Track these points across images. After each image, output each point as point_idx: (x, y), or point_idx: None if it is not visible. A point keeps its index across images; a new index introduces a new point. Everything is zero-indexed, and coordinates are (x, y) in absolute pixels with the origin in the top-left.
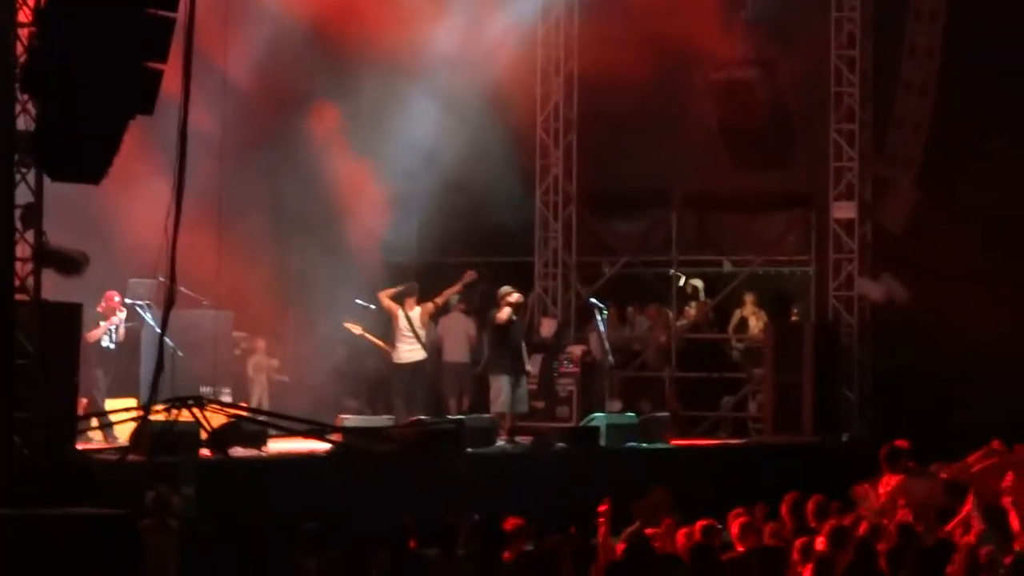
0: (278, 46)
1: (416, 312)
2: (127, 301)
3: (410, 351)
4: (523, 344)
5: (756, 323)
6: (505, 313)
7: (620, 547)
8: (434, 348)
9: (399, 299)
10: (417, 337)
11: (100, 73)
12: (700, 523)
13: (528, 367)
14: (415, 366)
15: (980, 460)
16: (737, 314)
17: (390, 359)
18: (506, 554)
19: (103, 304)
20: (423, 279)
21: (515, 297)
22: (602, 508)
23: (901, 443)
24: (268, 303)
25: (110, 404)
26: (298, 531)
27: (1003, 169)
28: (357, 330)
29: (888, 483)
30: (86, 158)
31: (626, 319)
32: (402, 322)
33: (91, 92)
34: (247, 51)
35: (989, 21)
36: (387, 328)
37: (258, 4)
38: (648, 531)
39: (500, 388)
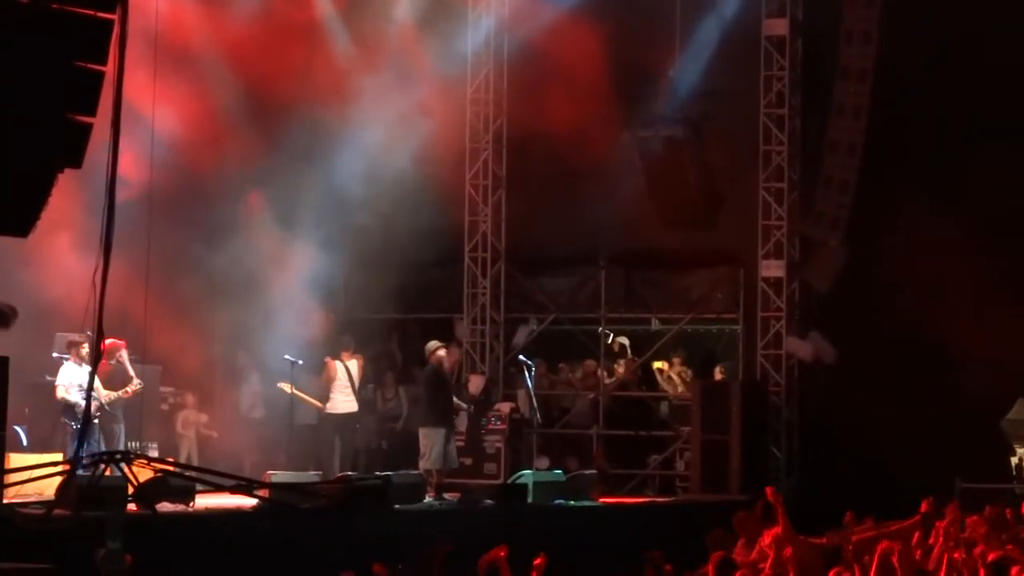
0: (207, 96)
1: (353, 364)
2: (54, 355)
3: (346, 402)
4: (451, 397)
5: (677, 377)
6: (439, 359)
7: None
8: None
9: (335, 351)
10: (353, 389)
11: (27, 125)
12: None
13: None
14: (347, 417)
15: (861, 531)
16: (661, 365)
17: (322, 412)
18: None
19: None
20: (351, 335)
21: (443, 351)
22: (537, 562)
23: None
24: (197, 358)
25: (37, 458)
26: None
27: (929, 230)
28: (288, 389)
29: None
30: (13, 211)
31: (555, 376)
32: (340, 373)
33: (18, 144)
34: (176, 104)
35: (917, 80)
36: (317, 382)
37: (188, 58)
38: None
39: (432, 443)
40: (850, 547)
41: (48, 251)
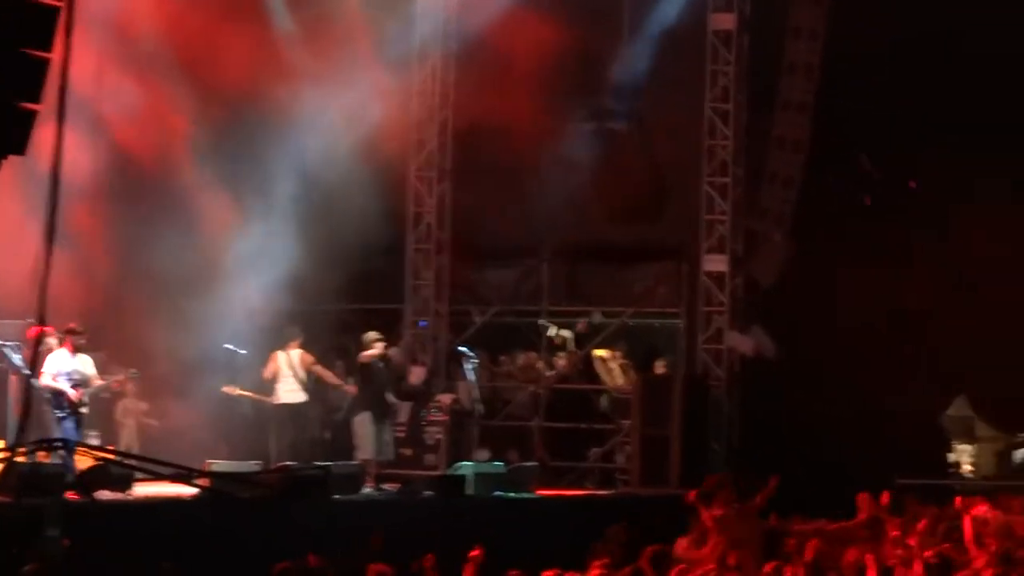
0: (153, 85)
1: (297, 354)
2: None
3: (291, 391)
4: (389, 391)
5: (618, 371)
6: (368, 355)
7: None
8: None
9: (281, 342)
10: (297, 378)
11: None
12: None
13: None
14: (294, 408)
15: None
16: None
17: (267, 405)
18: None
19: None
20: (297, 327)
21: (380, 344)
22: (474, 554)
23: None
24: (138, 346)
25: None
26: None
27: (874, 225)
28: (235, 392)
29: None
30: None
31: (497, 368)
32: (283, 363)
33: None
34: (121, 93)
35: (864, 77)
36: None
37: (133, 47)
38: None
39: (364, 434)
40: (792, 540)
41: None
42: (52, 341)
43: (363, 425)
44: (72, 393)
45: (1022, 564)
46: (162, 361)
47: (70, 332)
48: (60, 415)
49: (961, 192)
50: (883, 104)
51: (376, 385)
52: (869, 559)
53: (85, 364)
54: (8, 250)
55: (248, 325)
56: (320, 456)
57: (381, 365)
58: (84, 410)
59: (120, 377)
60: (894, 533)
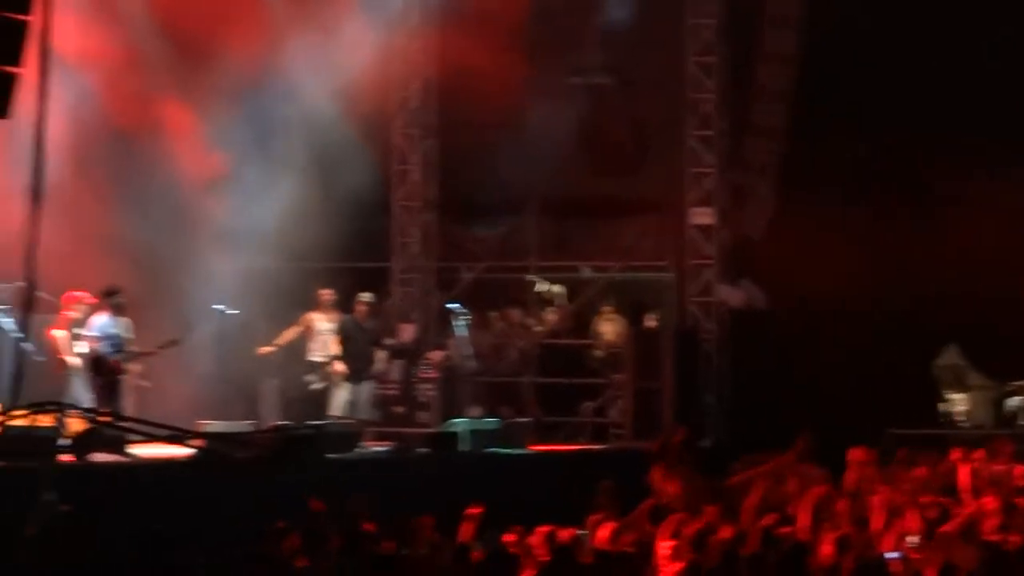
0: (132, 47)
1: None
2: None
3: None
4: (369, 349)
5: (612, 330)
6: (355, 311)
7: (477, 555)
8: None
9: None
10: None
11: None
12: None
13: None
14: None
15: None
16: (595, 325)
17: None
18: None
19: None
20: (283, 285)
21: (363, 305)
22: (476, 511)
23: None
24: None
25: None
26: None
27: (863, 174)
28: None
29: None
30: None
31: (487, 324)
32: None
33: None
34: (102, 51)
35: (845, 26)
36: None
37: (113, 7)
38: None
39: (337, 394)
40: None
41: None
42: (82, 308)
43: (337, 385)
44: (113, 360)
45: (1021, 513)
46: (152, 322)
47: (109, 293)
48: (99, 382)
49: (953, 141)
50: (864, 53)
51: (350, 345)
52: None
53: (127, 327)
54: None
55: (235, 284)
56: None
57: (351, 325)
58: (123, 376)
59: (162, 344)
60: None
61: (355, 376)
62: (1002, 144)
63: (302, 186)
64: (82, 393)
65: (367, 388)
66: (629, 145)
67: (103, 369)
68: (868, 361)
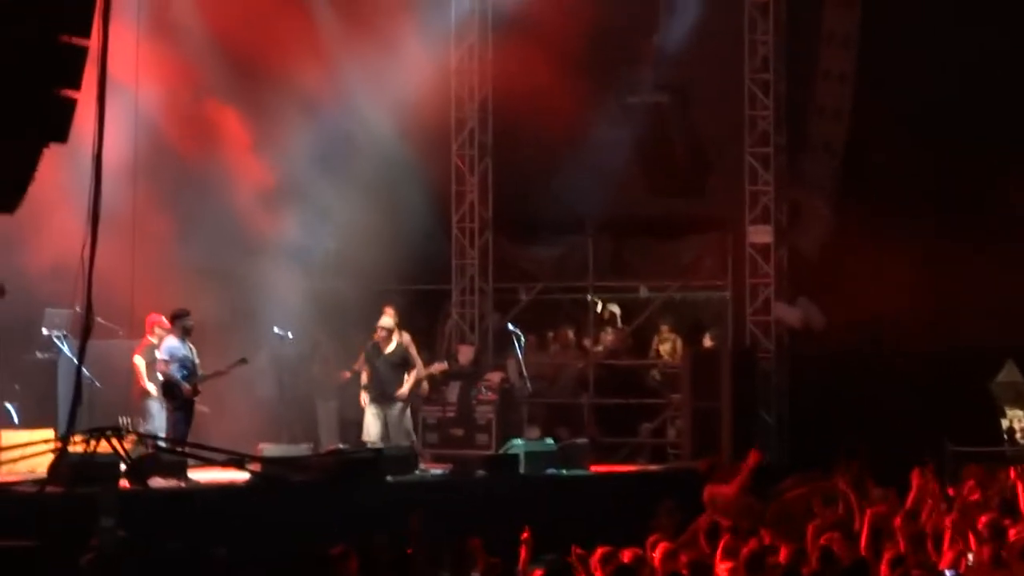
0: (191, 67)
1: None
2: (43, 331)
3: None
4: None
5: (671, 349)
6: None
7: (538, 574)
8: None
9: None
10: None
11: (13, 101)
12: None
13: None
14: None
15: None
16: (654, 344)
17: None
18: None
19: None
20: (344, 308)
21: (383, 331)
22: (524, 536)
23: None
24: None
25: (28, 435)
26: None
27: (922, 191)
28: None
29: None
30: (0, 187)
31: (545, 345)
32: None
33: (3, 121)
34: (161, 75)
35: (903, 40)
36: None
37: (172, 28)
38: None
39: (366, 419)
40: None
41: (36, 227)
42: (160, 332)
43: (366, 411)
44: (186, 386)
45: None
46: (211, 347)
47: (177, 316)
48: (173, 407)
49: (1006, 163)
50: (920, 74)
51: (374, 371)
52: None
53: (194, 351)
54: (54, 239)
55: (296, 305)
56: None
57: (372, 350)
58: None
59: (231, 364)
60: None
61: (380, 400)
62: None
63: (363, 207)
64: (159, 419)
65: (396, 411)
66: (686, 164)
67: (176, 393)
68: (927, 379)
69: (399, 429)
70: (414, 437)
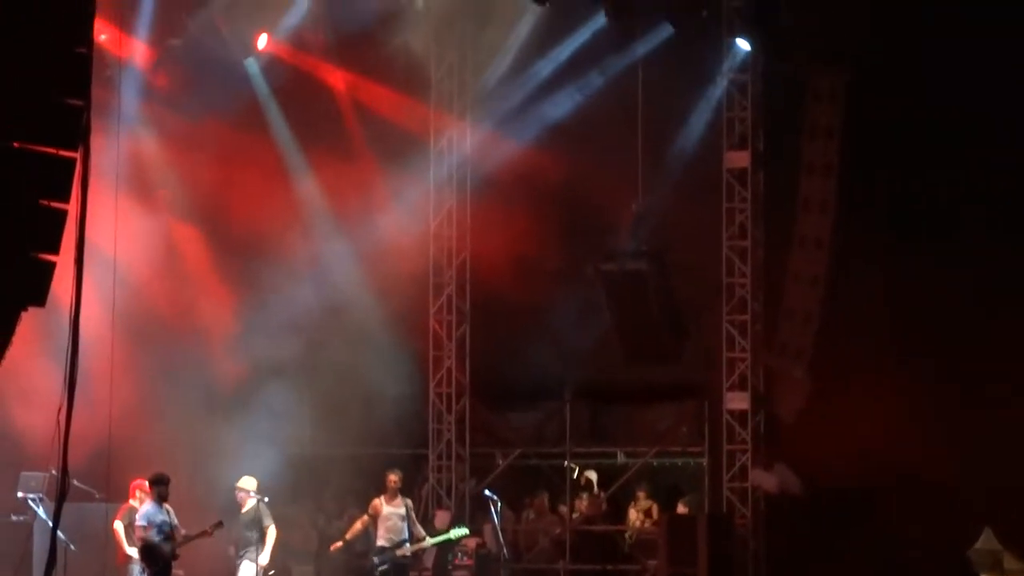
0: (168, 233)
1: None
2: (19, 495)
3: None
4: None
5: (644, 515)
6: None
7: None
8: None
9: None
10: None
11: None
12: None
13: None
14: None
15: None
16: (631, 514)
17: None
18: None
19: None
20: (318, 471)
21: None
22: None
23: None
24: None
25: None
26: None
27: (894, 359)
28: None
29: None
30: None
31: (520, 511)
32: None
33: None
34: (138, 242)
35: (877, 210)
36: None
37: (150, 195)
38: None
39: None
40: None
41: (10, 391)
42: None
43: None
44: (164, 549)
45: None
46: (188, 508)
47: (155, 482)
48: (152, 572)
49: (980, 328)
50: (894, 239)
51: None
52: None
53: (172, 514)
54: (30, 402)
55: (274, 470)
56: None
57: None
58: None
59: (207, 528)
60: None
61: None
62: None
63: (337, 373)
64: None
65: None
66: (663, 330)
67: (156, 557)
68: (904, 544)
69: None
70: None
